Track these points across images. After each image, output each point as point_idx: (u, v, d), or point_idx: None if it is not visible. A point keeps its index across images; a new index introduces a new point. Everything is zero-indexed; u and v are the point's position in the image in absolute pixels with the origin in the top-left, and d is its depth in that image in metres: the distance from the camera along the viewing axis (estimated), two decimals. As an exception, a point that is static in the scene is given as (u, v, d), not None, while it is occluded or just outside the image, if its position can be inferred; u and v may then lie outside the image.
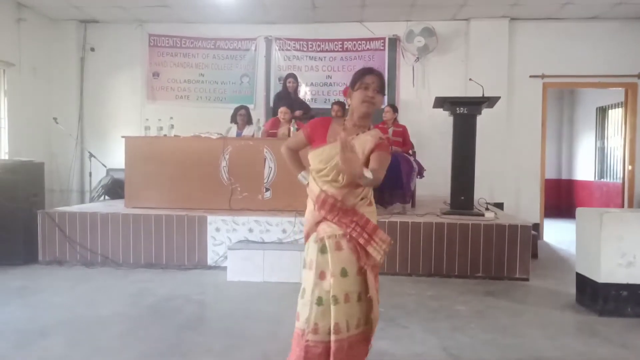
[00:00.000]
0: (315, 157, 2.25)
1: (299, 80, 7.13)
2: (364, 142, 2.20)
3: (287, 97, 6.53)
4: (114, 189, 6.59)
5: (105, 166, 7.07)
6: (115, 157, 6.94)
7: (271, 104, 7.22)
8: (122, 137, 5.53)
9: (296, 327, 2.21)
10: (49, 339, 3.01)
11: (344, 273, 2.14)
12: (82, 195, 7.54)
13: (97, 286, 4.23)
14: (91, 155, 6.99)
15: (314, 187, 2.26)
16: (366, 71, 2.24)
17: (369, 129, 2.27)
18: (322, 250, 2.18)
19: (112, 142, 7.33)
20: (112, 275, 4.62)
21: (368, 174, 2.01)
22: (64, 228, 5.00)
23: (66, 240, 4.98)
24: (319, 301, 2.13)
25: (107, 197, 6.64)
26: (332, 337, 2.09)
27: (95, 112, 7.64)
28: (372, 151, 2.18)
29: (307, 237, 2.31)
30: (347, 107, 2.36)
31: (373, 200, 2.31)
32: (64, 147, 7.46)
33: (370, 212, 2.26)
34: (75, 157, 7.50)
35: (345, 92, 2.38)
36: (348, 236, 2.17)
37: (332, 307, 2.10)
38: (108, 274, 4.64)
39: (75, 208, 5.51)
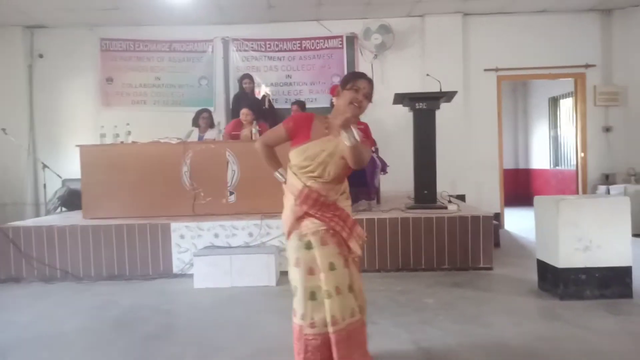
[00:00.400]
0: (299, 154, 2.27)
1: (258, 80, 7.08)
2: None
3: (245, 98, 6.47)
4: (71, 199, 6.35)
5: (60, 177, 6.81)
6: (71, 167, 6.68)
7: (230, 105, 7.13)
8: (77, 146, 5.34)
9: (294, 323, 2.32)
10: (10, 359, 2.88)
11: (332, 267, 2.22)
12: (37, 208, 7.25)
13: (57, 302, 4.07)
14: (45, 165, 6.72)
15: (296, 182, 2.28)
16: (359, 75, 2.33)
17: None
18: (308, 246, 2.25)
19: (66, 152, 7.05)
20: (73, 289, 4.45)
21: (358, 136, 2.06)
22: (18, 243, 4.78)
23: (22, 256, 4.77)
24: (312, 296, 2.23)
25: (63, 209, 6.41)
26: (331, 329, 2.20)
27: (47, 121, 7.35)
28: None
29: (289, 234, 2.34)
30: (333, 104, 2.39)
31: (349, 195, 2.40)
32: (15, 158, 7.15)
33: (348, 206, 2.37)
34: (28, 169, 7.21)
35: (333, 91, 2.43)
36: (332, 230, 2.24)
37: (327, 301, 2.20)
38: (69, 289, 4.47)
39: (30, 222, 5.29)
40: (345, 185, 2.36)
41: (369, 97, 2.30)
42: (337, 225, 2.25)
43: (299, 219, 2.29)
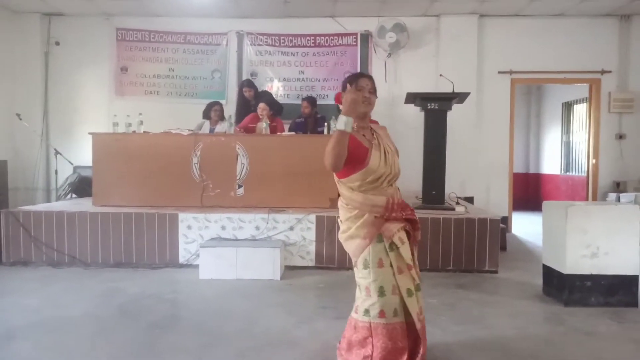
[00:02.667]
0: (372, 170, 2.32)
1: (271, 74, 7.10)
2: (381, 131, 2.50)
3: (246, 106, 6.45)
4: (82, 186, 6.42)
5: (72, 163, 6.88)
6: (83, 154, 6.77)
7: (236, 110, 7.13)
8: (89, 133, 5.40)
9: (381, 323, 2.31)
10: (16, 342, 2.92)
11: (413, 261, 2.39)
12: (48, 194, 7.34)
13: (65, 287, 4.13)
14: (57, 152, 6.78)
15: (374, 199, 2.34)
16: (359, 75, 2.45)
17: (371, 128, 2.50)
18: (391, 248, 2.34)
19: (78, 139, 7.14)
20: (81, 275, 4.51)
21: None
22: (29, 228, 4.85)
23: (31, 241, 4.84)
24: (409, 293, 2.33)
25: (74, 196, 6.48)
26: (421, 317, 2.36)
27: (61, 108, 7.43)
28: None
29: (370, 242, 2.35)
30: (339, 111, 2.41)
31: None
32: (29, 144, 7.24)
33: None
34: (41, 154, 7.29)
35: (338, 99, 2.48)
36: (407, 226, 2.41)
37: (419, 294, 2.37)
38: (76, 274, 4.53)
39: (41, 207, 5.35)
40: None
41: (373, 92, 2.41)
42: (413, 215, 2.43)
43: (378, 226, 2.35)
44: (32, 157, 7.25)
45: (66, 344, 2.90)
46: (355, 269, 2.45)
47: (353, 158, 2.30)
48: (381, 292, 2.31)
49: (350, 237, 2.40)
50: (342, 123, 2.17)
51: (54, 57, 7.40)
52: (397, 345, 2.30)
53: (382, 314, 2.32)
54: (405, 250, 2.35)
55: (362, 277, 2.37)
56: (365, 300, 2.36)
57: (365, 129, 2.45)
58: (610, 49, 7.15)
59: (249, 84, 6.63)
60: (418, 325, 2.33)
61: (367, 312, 2.35)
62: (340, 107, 2.39)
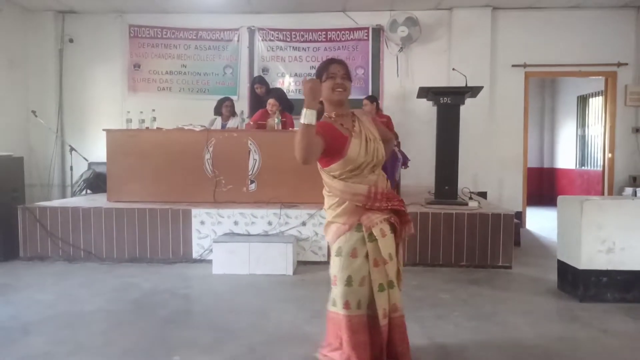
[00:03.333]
0: (352, 159, 2.25)
1: (282, 70, 7.10)
2: (369, 124, 2.38)
3: (259, 102, 6.46)
4: (96, 182, 6.50)
5: (86, 160, 6.97)
6: (97, 151, 6.84)
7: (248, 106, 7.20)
8: (103, 130, 5.45)
9: (344, 314, 2.24)
10: (32, 336, 2.97)
11: (391, 257, 2.28)
12: (63, 190, 7.43)
13: (80, 282, 4.19)
14: (72, 148, 6.86)
15: (357, 187, 2.27)
16: (329, 62, 2.34)
17: (352, 115, 2.38)
18: (370, 238, 2.26)
19: (93, 135, 7.22)
20: (96, 270, 4.57)
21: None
22: (45, 223, 4.92)
23: (48, 236, 4.91)
24: (381, 287, 2.25)
25: (89, 191, 6.56)
26: (393, 315, 2.28)
27: (76, 105, 7.51)
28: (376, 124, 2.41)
29: (349, 228, 2.29)
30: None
31: None
32: (44, 140, 7.34)
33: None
34: (56, 151, 7.38)
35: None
36: (392, 218, 2.31)
37: (390, 291, 2.27)
38: (91, 270, 4.59)
39: (57, 203, 5.43)
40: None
41: (347, 77, 2.31)
42: (399, 206, 2.34)
43: (361, 214, 2.28)
44: (47, 154, 7.35)
45: (81, 338, 2.94)
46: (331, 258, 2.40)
47: (332, 148, 2.23)
48: (348, 282, 2.24)
49: (329, 223, 2.36)
50: (303, 116, 2.08)
51: (67, 54, 7.47)
52: (359, 339, 2.22)
53: (346, 304, 2.24)
54: (385, 243, 2.25)
55: (333, 265, 2.31)
56: (332, 290, 2.32)
57: (345, 117, 2.34)
58: (627, 41, 7.02)
59: (261, 80, 6.64)
60: (382, 322, 2.23)
61: (334, 302, 2.30)
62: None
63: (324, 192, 2.41)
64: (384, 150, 2.36)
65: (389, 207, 2.30)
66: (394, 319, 2.28)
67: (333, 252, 2.33)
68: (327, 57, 2.41)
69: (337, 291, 2.28)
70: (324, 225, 2.43)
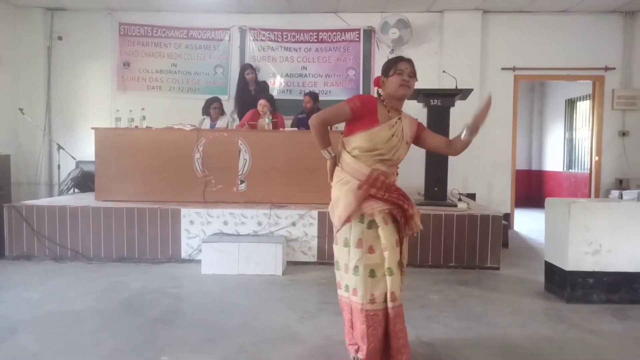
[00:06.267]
0: (368, 138, 2.34)
1: (273, 70, 7.12)
2: (409, 123, 2.48)
3: (245, 91, 6.50)
4: (84, 181, 6.44)
5: (74, 158, 6.90)
6: (85, 149, 6.78)
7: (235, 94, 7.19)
8: (92, 128, 5.40)
9: (353, 302, 2.37)
10: (20, 335, 2.93)
11: (392, 246, 2.33)
12: (50, 188, 7.36)
13: (68, 281, 4.14)
14: (60, 147, 6.80)
15: (360, 166, 2.34)
16: (399, 58, 2.43)
17: (400, 113, 2.48)
18: (370, 226, 2.34)
19: (81, 134, 7.15)
20: (83, 269, 4.52)
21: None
22: (31, 222, 4.87)
23: (34, 235, 4.86)
24: (372, 273, 2.32)
25: (76, 190, 6.49)
26: (390, 304, 2.32)
27: (64, 103, 7.43)
28: (417, 133, 2.51)
29: (346, 220, 2.37)
30: (379, 94, 2.47)
31: None
32: (31, 138, 7.25)
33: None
34: (43, 149, 7.30)
35: (378, 82, 2.47)
36: (394, 211, 2.36)
37: (388, 278, 2.32)
38: (79, 269, 4.54)
39: (44, 201, 5.37)
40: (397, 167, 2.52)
41: (413, 75, 2.41)
42: (404, 203, 2.38)
43: (360, 201, 2.34)
44: (34, 152, 7.27)
45: (69, 338, 2.91)
46: (334, 246, 2.47)
47: (361, 119, 2.35)
48: (356, 272, 2.34)
49: (337, 200, 2.40)
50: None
51: (56, 51, 7.40)
52: (369, 328, 2.33)
53: (354, 292, 2.36)
54: (387, 231, 2.32)
55: (340, 255, 2.42)
56: (343, 277, 2.42)
57: (394, 111, 2.43)
58: (614, 46, 7.13)
59: (251, 66, 6.71)
60: (367, 307, 2.31)
61: (347, 287, 2.41)
62: (380, 90, 2.45)
63: (337, 167, 2.47)
64: (404, 153, 2.46)
65: (386, 198, 2.34)
66: (393, 308, 2.33)
67: (340, 243, 2.40)
68: (395, 56, 2.53)
69: (347, 278, 2.38)
70: (331, 205, 2.47)
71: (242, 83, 6.70)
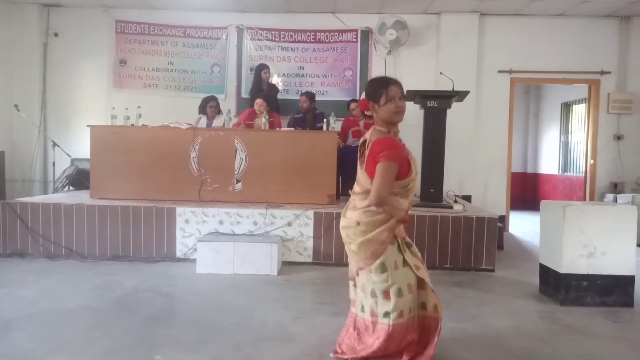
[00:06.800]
0: (412, 178, 2.43)
1: (271, 70, 7.12)
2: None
3: (260, 89, 6.53)
4: (79, 179, 6.41)
5: (69, 156, 6.87)
6: (80, 147, 6.76)
7: (244, 94, 7.24)
8: (88, 126, 5.39)
9: (401, 323, 2.41)
10: (13, 333, 2.91)
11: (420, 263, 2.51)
12: (45, 186, 7.31)
13: (61, 279, 4.12)
14: (55, 144, 6.77)
15: (399, 202, 2.40)
16: (385, 82, 2.41)
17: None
18: (404, 248, 2.45)
19: (76, 131, 7.12)
20: (77, 267, 4.50)
21: None
22: (26, 219, 4.84)
23: (28, 232, 4.83)
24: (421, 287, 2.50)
25: (71, 188, 6.47)
26: (437, 315, 2.50)
27: (59, 100, 7.39)
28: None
29: (388, 244, 2.42)
30: (367, 113, 2.50)
31: None
32: (26, 135, 7.21)
33: None
34: (38, 146, 7.26)
35: (366, 106, 2.47)
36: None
37: (431, 292, 2.50)
38: (73, 267, 4.52)
39: (38, 199, 5.34)
40: None
41: (403, 96, 2.42)
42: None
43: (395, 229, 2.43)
44: (29, 149, 7.22)
45: (62, 336, 2.89)
46: (364, 274, 2.45)
47: (400, 170, 2.36)
48: (399, 294, 2.38)
49: (369, 240, 2.38)
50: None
51: (52, 48, 7.36)
52: (406, 339, 2.43)
53: (401, 314, 2.40)
54: (415, 249, 2.50)
55: (380, 281, 2.39)
56: (384, 305, 2.40)
57: (397, 134, 2.49)
58: (610, 50, 7.16)
59: (267, 67, 6.77)
60: (433, 315, 2.51)
61: (387, 314, 2.40)
62: (367, 112, 2.47)
63: (363, 210, 2.42)
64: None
65: (407, 219, 2.50)
66: (437, 318, 2.51)
67: (377, 270, 2.40)
68: (378, 78, 2.54)
69: (390, 305, 2.39)
70: (359, 241, 2.42)
71: (258, 81, 6.70)
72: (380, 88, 2.38)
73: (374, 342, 2.43)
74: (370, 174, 2.36)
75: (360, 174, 2.46)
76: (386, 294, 2.39)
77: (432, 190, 5.20)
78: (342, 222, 2.53)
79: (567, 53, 7.15)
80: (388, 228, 2.38)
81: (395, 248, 2.41)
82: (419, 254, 2.51)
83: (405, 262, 2.42)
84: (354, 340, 2.54)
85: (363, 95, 2.54)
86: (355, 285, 2.55)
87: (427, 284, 2.48)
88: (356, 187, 2.49)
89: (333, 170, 5.20)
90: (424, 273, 2.46)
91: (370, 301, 2.45)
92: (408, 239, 2.51)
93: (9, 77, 7.17)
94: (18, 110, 6.69)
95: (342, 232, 2.53)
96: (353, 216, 2.45)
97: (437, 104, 5.18)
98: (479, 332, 3.09)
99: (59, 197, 5.46)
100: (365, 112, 2.51)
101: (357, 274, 2.50)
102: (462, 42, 7.09)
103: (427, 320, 2.52)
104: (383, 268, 2.38)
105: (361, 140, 2.55)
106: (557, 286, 3.69)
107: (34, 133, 7.19)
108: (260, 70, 6.71)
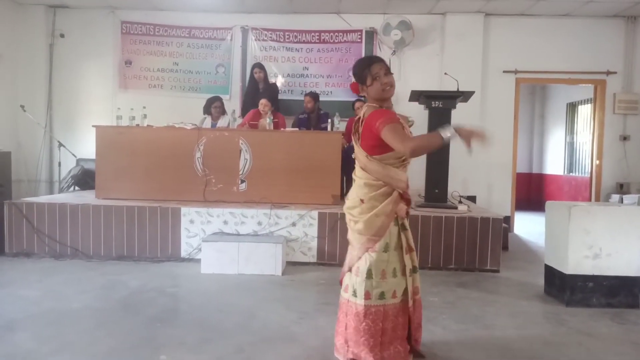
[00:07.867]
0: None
1: (275, 70, 7.13)
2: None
3: (255, 90, 6.53)
4: (84, 179, 6.44)
5: (75, 156, 6.90)
6: (86, 147, 6.78)
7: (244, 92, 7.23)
8: (93, 126, 5.40)
9: (388, 304, 2.40)
10: (17, 333, 2.93)
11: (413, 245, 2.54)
12: (51, 186, 7.35)
13: (66, 279, 4.14)
14: (60, 144, 6.80)
15: (401, 175, 2.41)
16: (367, 62, 2.42)
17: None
18: (403, 227, 2.47)
19: (82, 132, 7.15)
20: (83, 267, 4.52)
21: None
22: (31, 219, 4.86)
23: (34, 232, 4.86)
24: (411, 272, 2.48)
25: (77, 188, 6.49)
26: (417, 297, 2.52)
27: (65, 100, 7.43)
28: None
29: (393, 217, 2.43)
30: (362, 97, 2.50)
31: None
32: (32, 136, 7.25)
33: None
34: (44, 147, 7.30)
35: (356, 89, 2.49)
36: (408, 209, 2.52)
37: (414, 275, 2.50)
38: (78, 267, 4.54)
39: (44, 199, 5.36)
40: None
41: (389, 71, 2.41)
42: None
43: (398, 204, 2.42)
44: (35, 149, 7.27)
45: (66, 336, 2.90)
46: (367, 253, 2.39)
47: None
48: (394, 274, 2.42)
49: (376, 215, 2.37)
50: (447, 133, 2.19)
51: (58, 49, 7.40)
52: (398, 321, 2.46)
53: (394, 294, 2.42)
54: (409, 233, 2.50)
55: (381, 260, 2.38)
56: (379, 285, 2.39)
57: (390, 109, 2.46)
58: (616, 50, 7.12)
59: (260, 66, 6.72)
60: (410, 303, 2.47)
61: (382, 295, 2.40)
62: (362, 94, 2.48)
63: (364, 181, 2.42)
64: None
65: (408, 198, 2.48)
66: (417, 300, 2.52)
67: (380, 248, 2.39)
68: (361, 59, 2.53)
69: (385, 284, 2.40)
70: (365, 217, 2.39)
71: (252, 82, 6.72)
72: (364, 69, 2.40)
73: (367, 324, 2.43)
74: (366, 148, 2.38)
75: (358, 150, 2.47)
76: (383, 273, 2.40)
77: (436, 190, 5.19)
78: (347, 203, 2.53)
79: (572, 53, 7.12)
80: (392, 200, 2.39)
81: (397, 229, 2.44)
82: (411, 239, 2.51)
83: (401, 246, 2.45)
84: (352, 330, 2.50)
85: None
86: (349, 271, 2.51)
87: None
88: (356, 167, 2.52)
89: (337, 171, 5.20)
90: (409, 259, 2.48)
91: (365, 283, 2.38)
92: (406, 223, 2.50)
93: (14, 78, 7.22)
94: (24, 110, 6.73)
95: (347, 214, 2.51)
96: (356, 193, 2.45)
97: (441, 105, 5.16)
98: (484, 333, 3.08)
99: (65, 197, 5.49)
100: (361, 95, 2.53)
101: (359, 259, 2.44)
102: (467, 42, 7.07)
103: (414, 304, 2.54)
104: (386, 247, 2.40)
105: (356, 118, 2.55)
106: (563, 287, 3.67)
107: (40, 133, 7.23)
108: (252, 69, 6.73)
